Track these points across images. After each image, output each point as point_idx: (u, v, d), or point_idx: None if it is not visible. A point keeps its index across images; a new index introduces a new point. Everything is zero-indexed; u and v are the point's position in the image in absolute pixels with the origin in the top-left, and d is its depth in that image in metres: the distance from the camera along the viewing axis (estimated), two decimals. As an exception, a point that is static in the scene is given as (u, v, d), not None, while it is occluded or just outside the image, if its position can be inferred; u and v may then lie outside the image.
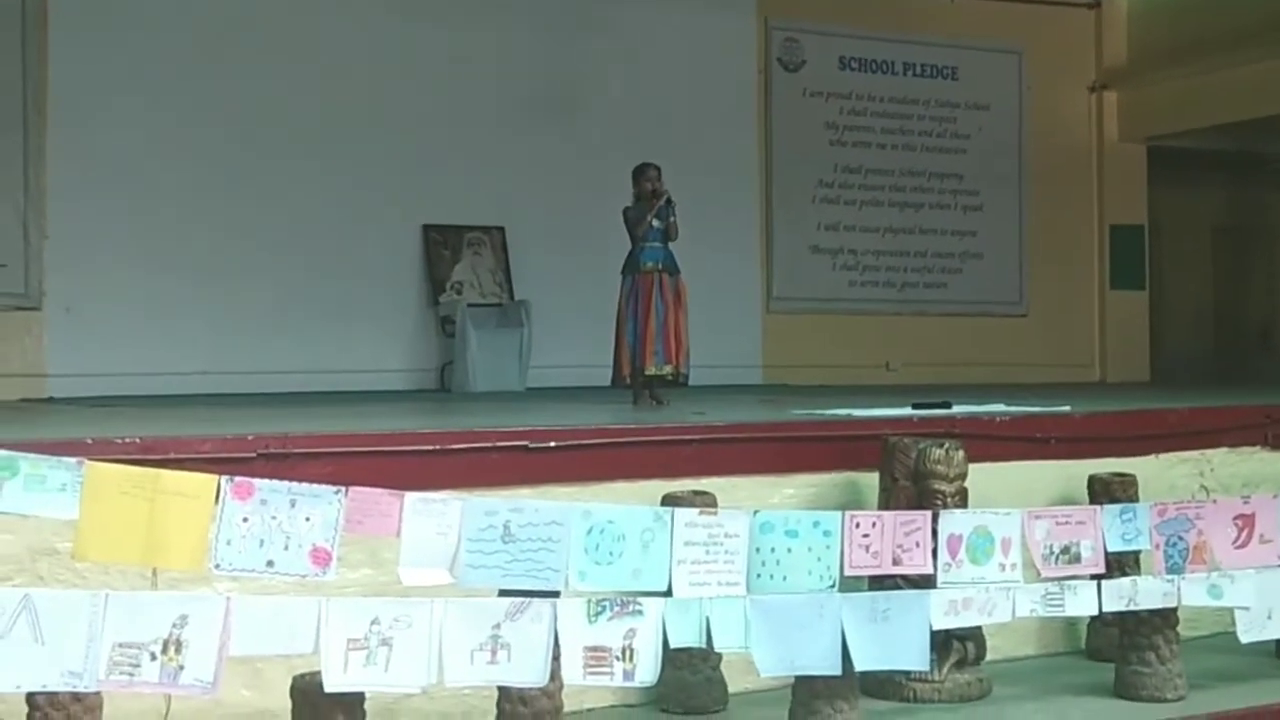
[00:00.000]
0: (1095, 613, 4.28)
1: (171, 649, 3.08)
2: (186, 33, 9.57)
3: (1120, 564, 4.55)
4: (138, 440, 3.86)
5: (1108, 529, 4.27)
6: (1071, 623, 5.08)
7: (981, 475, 4.67)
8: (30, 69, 9.15)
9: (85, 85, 9.22)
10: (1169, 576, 4.34)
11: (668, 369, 6.85)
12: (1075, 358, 12.53)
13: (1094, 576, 4.26)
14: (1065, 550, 4.21)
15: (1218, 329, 14.52)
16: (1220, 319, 14.56)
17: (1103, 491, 4.90)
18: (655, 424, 5.07)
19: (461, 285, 10.31)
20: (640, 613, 3.55)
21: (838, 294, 11.83)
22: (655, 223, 6.85)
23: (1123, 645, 4.57)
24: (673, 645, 3.61)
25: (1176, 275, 13.95)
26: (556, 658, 3.44)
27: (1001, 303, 12.45)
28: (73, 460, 3.12)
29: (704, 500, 4.22)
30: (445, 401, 8.90)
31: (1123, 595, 4.28)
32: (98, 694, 3.11)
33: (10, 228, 9.07)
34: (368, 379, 9.60)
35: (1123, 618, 4.46)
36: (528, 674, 3.42)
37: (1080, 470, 5.13)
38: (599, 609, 3.51)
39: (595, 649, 3.49)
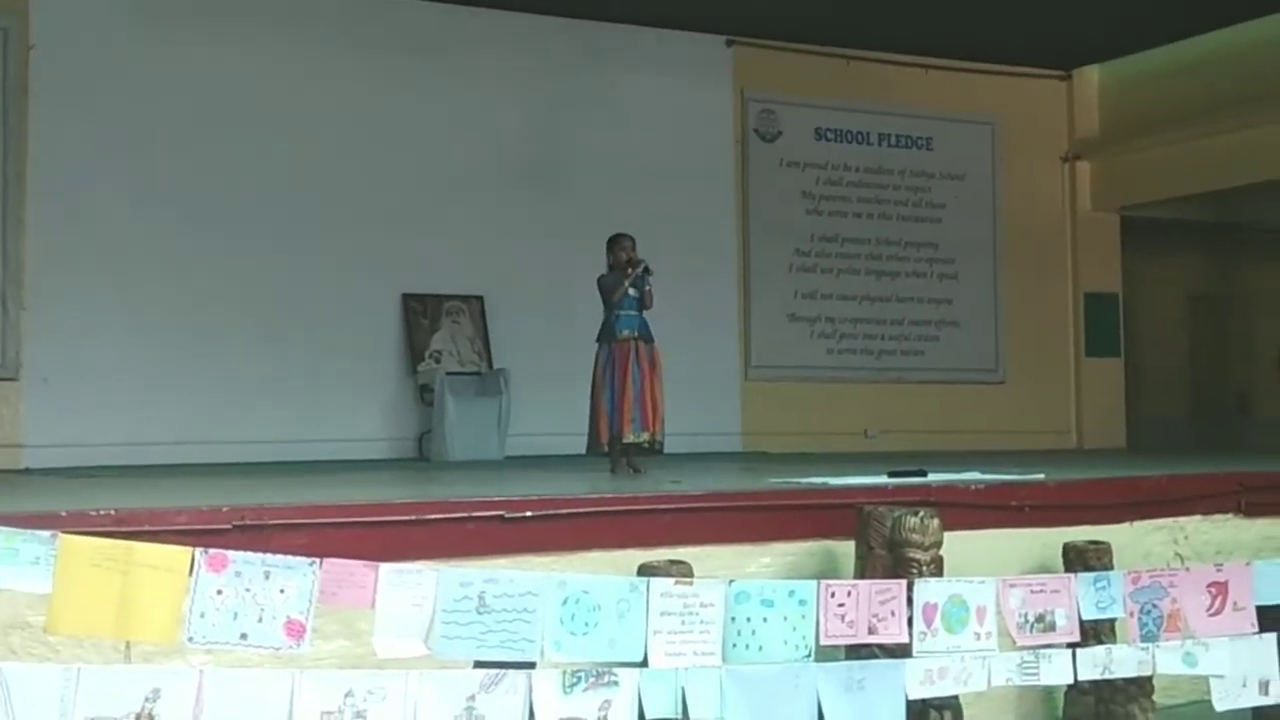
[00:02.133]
0: (1071, 681, 4.27)
1: (144, 723, 3.05)
2: (168, 104, 9.64)
3: (1095, 632, 4.55)
4: (112, 512, 3.86)
5: (1082, 597, 4.26)
6: (1049, 691, 5.07)
7: (956, 543, 4.68)
8: (10, 138, 9.21)
9: (65, 156, 9.28)
10: (1144, 644, 4.33)
11: (644, 436, 6.87)
12: (1052, 424, 12.59)
13: (1069, 645, 4.26)
14: (1040, 619, 4.20)
15: (1193, 396, 14.61)
16: (1196, 386, 14.67)
17: (1077, 559, 4.92)
18: (631, 493, 5.08)
19: (440, 354, 10.33)
20: (616, 683, 3.54)
21: (815, 361, 11.89)
22: (630, 291, 6.90)
23: (1099, 714, 4.57)
24: (648, 716, 3.59)
25: (1152, 343, 14.06)
26: (532, 730, 3.42)
27: (978, 370, 12.53)
28: (46, 534, 3.11)
29: (680, 570, 4.22)
30: (423, 470, 8.89)
31: (1098, 663, 4.27)
32: (68, 769, 3.08)
33: (-13, 298, 9.08)
34: (346, 448, 9.58)
35: (1099, 686, 4.46)
36: (503, 746, 3.40)
37: (1055, 538, 5.14)
38: (574, 680, 3.49)
39: (571, 721, 3.47)
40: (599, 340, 6.95)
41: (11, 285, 9.15)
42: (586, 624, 3.58)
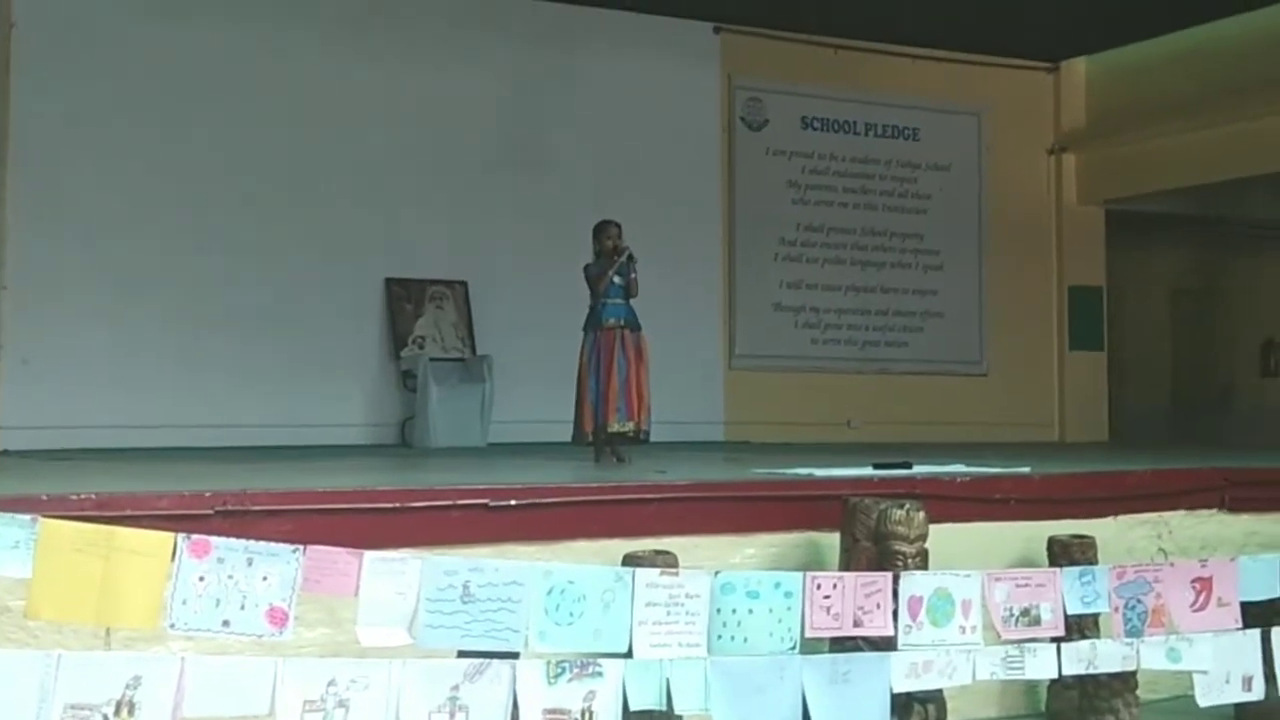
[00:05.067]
0: (1055, 676, 4.27)
1: (124, 710, 3.02)
2: (151, 81, 9.57)
3: (1080, 626, 4.55)
4: (93, 496, 3.82)
5: (1067, 592, 4.26)
6: (1032, 685, 5.07)
7: (941, 536, 4.68)
8: (-10, 117, 9.12)
9: (46, 133, 9.20)
10: (1128, 640, 4.33)
11: (630, 425, 6.85)
12: (1034, 417, 12.61)
13: (1053, 639, 4.25)
14: (1025, 613, 4.20)
15: (1176, 390, 14.66)
16: (1179, 380, 14.72)
17: (1062, 553, 4.91)
18: (616, 483, 5.05)
19: (423, 339, 10.29)
20: (600, 674, 3.52)
21: (800, 351, 11.88)
22: (616, 279, 6.87)
23: (1083, 708, 4.57)
24: (633, 707, 3.57)
25: (1136, 336, 14.11)
26: (515, 720, 3.41)
27: (962, 362, 12.54)
28: (26, 517, 3.07)
29: (665, 560, 4.20)
30: (405, 457, 8.86)
31: (1082, 658, 4.28)
32: (47, 757, 3.05)
33: (-33, 278, 9.00)
34: (328, 433, 9.55)
35: (1083, 681, 4.46)
36: (486, 736, 3.38)
37: (1040, 531, 5.14)
38: (559, 670, 3.47)
39: (555, 711, 3.45)
40: (585, 328, 6.93)
41: (-9, 265, 9.08)
42: (571, 614, 3.56)
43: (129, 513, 3.76)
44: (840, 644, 4.11)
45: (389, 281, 10.33)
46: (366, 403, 10.20)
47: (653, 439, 7.08)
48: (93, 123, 9.35)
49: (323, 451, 8.36)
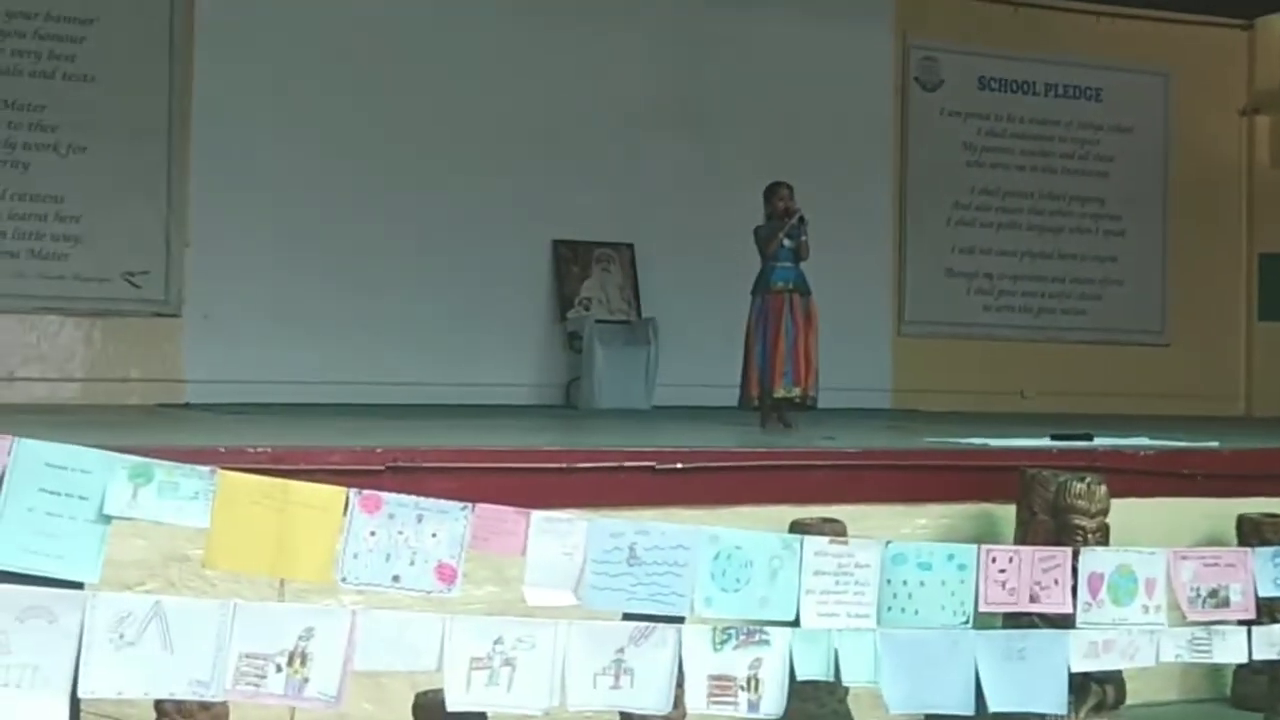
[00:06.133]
0: (1245, 660, 4.08)
1: (297, 661, 3.06)
2: (325, 46, 9.73)
3: (1270, 609, 4.33)
4: (269, 450, 3.90)
5: (1259, 572, 4.06)
6: (1216, 669, 4.87)
7: (1122, 511, 4.51)
8: (176, 77, 9.39)
9: (229, 94, 9.43)
10: (1324, 625, 4.12)
11: (796, 391, 6.75)
12: (1219, 390, 12.10)
13: (1241, 622, 4.06)
14: (1213, 594, 4.01)
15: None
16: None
17: (1252, 532, 4.71)
18: (784, 449, 4.99)
19: (589, 301, 10.32)
20: (767, 642, 3.46)
21: (972, 319, 11.60)
22: (786, 242, 6.77)
23: (1272, 694, 4.36)
24: (800, 677, 3.51)
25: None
26: (680, 685, 3.37)
27: (1142, 331, 12.10)
28: (206, 469, 3.13)
29: (834, 528, 4.13)
30: (570, 418, 8.91)
31: (1274, 643, 4.07)
32: (224, 703, 3.12)
33: (153, 235, 9.31)
34: (494, 392, 9.63)
35: (1273, 666, 4.25)
36: (651, 700, 3.35)
37: (1227, 509, 4.94)
38: (725, 637, 3.42)
39: (720, 678, 3.41)
40: (753, 292, 6.84)
41: (176, 223, 9.37)
42: (738, 580, 3.51)
43: (302, 466, 3.83)
44: (1014, 620, 3.98)
45: (556, 243, 10.38)
46: (532, 364, 10.27)
47: (819, 405, 6.98)
48: (271, 85, 9.55)
49: (488, 411, 8.44)
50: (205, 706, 3.11)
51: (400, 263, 9.83)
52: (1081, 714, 4.26)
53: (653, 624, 3.38)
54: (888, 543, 3.71)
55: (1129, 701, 4.46)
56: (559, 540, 3.37)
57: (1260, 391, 12.34)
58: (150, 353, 9.31)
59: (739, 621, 3.47)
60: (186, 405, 8.86)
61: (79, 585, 2.95)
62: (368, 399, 8.90)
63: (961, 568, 3.71)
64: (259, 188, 9.46)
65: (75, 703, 2.91)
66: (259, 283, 9.41)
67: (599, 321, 10.06)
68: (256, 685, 3.05)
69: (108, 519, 2.97)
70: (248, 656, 3.05)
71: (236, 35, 9.49)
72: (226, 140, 9.39)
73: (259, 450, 3.88)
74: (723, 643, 3.42)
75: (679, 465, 4.40)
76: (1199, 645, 3.99)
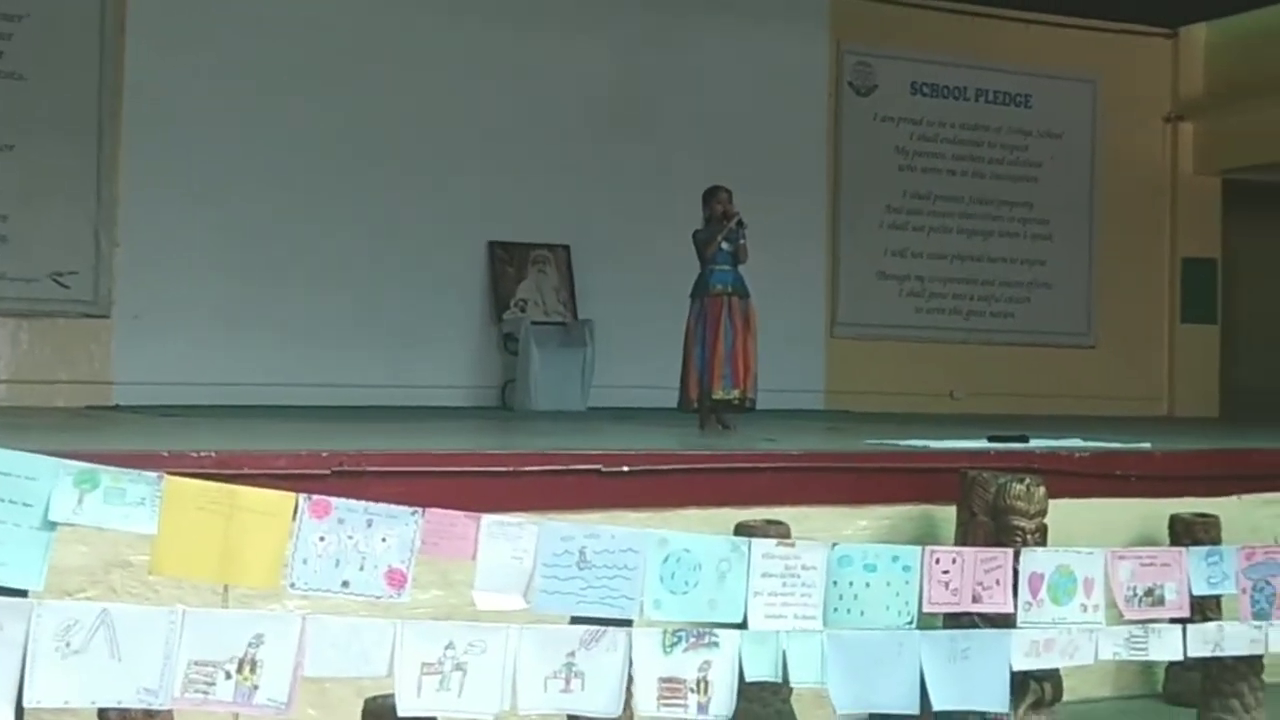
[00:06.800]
0: (1180, 657, 4.16)
1: (247, 668, 3.03)
2: (261, 43, 9.64)
3: (1202, 607, 4.43)
4: (213, 454, 3.86)
5: (1193, 572, 4.14)
6: (1149, 666, 4.97)
7: (1060, 512, 4.58)
8: (106, 76, 9.25)
9: (160, 93, 9.31)
10: (1256, 623, 4.21)
11: (735, 394, 6.80)
12: (1143, 391, 12.34)
13: (1175, 620, 4.14)
14: (1149, 592, 4.09)
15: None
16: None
17: (1185, 532, 4.80)
18: (729, 451, 5.01)
19: (525, 303, 10.30)
20: (716, 644, 3.48)
21: (903, 320, 11.72)
22: (725, 245, 6.81)
23: (1205, 691, 4.45)
24: (749, 678, 3.52)
25: (1250, 310, 13.68)
26: (630, 688, 3.37)
27: (1069, 333, 12.29)
28: (153, 475, 3.09)
29: (779, 530, 4.16)
30: (508, 420, 8.89)
31: (1208, 640, 4.16)
32: (169, 711, 3.08)
33: (82, 235, 9.17)
34: (429, 394, 9.60)
35: (1206, 663, 4.34)
36: (601, 704, 3.35)
37: (1161, 510, 5.03)
38: (675, 639, 3.44)
39: (670, 680, 3.42)
40: (692, 295, 6.88)
41: (105, 222, 9.23)
42: (687, 583, 3.52)
43: (247, 471, 3.79)
44: (955, 620, 4.03)
45: (492, 245, 10.35)
46: (468, 365, 10.24)
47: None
48: (205, 84, 9.44)
49: (424, 413, 8.41)
50: (151, 715, 3.06)
51: (333, 264, 9.75)
52: (1020, 711, 4.32)
53: (603, 627, 3.38)
54: (834, 545, 3.74)
55: (1065, 699, 4.52)
56: (509, 544, 3.37)
57: (1182, 391, 12.58)
58: (78, 354, 9.17)
59: (688, 624, 3.49)
60: (116, 407, 8.73)
61: (23, 593, 2.90)
62: (299, 400, 8.83)
63: (906, 569, 3.75)
64: (191, 187, 9.35)
65: (20, 712, 2.86)
66: (190, 284, 9.30)
67: (535, 323, 10.05)
68: (205, 693, 3.02)
69: (53, 525, 2.93)
70: (197, 664, 3.01)
71: (169, 32, 9.36)
72: (158, 139, 9.27)
73: (203, 455, 3.84)
74: (673, 645, 3.43)
75: (625, 468, 4.41)
76: (1136, 643, 4.06)
